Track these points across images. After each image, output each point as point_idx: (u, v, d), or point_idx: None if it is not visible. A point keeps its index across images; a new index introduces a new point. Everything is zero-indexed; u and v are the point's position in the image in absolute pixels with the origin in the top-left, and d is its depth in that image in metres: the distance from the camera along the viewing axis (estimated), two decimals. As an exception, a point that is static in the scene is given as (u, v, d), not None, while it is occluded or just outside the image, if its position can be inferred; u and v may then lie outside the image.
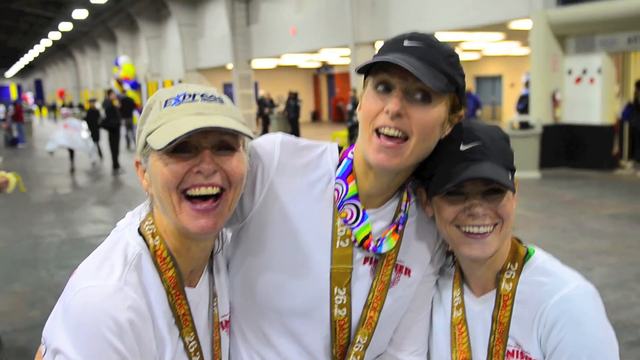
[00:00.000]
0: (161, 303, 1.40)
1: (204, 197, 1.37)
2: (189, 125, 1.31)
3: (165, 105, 1.40)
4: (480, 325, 1.63)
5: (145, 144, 1.39)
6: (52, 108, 49.48)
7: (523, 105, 17.22)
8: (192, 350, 1.46)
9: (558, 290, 1.49)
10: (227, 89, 32.95)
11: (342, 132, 21.28)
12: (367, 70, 1.52)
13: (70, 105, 47.48)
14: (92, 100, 19.92)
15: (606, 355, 1.45)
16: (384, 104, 1.46)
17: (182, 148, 1.35)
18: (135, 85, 36.74)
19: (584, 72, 14.72)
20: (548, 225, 9.50)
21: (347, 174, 1.60)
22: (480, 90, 33.59)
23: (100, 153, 20.36)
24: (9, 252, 8.90)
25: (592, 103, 14.62)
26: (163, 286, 1.41)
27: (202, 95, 1.41)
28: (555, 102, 15.05)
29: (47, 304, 6.18)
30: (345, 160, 1.62)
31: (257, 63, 31.04)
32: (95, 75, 53.47)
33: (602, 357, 1.44)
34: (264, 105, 26.51)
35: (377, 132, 1.47)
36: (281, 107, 27.76)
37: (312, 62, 34.25)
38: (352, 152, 1.63)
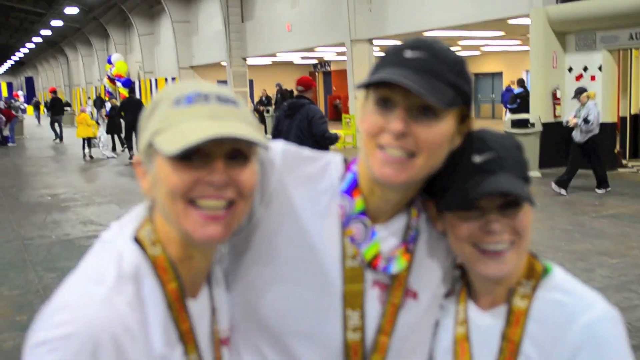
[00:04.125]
0: (160, 318, 1.28)
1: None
2: (203, 131, 1.20)
3: (175, 104, 1.27)
4: (486, 341, 1.53)
5: (150, 145, 1.27)
6: (37, 106, 48.59)
7: (516, 104, 17.20)
8: None
9: (583, 313, 1.41)
10: (221, 87, 32.99)
11: (340, 131, 21.19)
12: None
13: (67, 104, 47.07)
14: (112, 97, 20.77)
15: None
16: (386, 121, 1.37)
17: (191, 154, 1.23)
18: (128, 83, 36.59)
19: (585, 69, 14.72)
20: (548, 225, 9.44)
21: (352, 188, 1.50)
22: (479, 87, 33.66)
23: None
24: (-4, 254, 8.82)
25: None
26: (165, 299, 1.30)
27: (216, 97, 1.29)
28: (555, 100, 14.99)
29: (35, 308, 6.24)
30: (349, 174, 1.52)
31: (252, 60, 30.98)
32: (88, 73, 53.52)
33: None
34: (262, 105, 26.44)
35: (381, 147, 1.38)
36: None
37: (308, 58, 34.24)
38: (356, 165, 1.52)
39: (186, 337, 1.34)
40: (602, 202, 11.05)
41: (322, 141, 8.26)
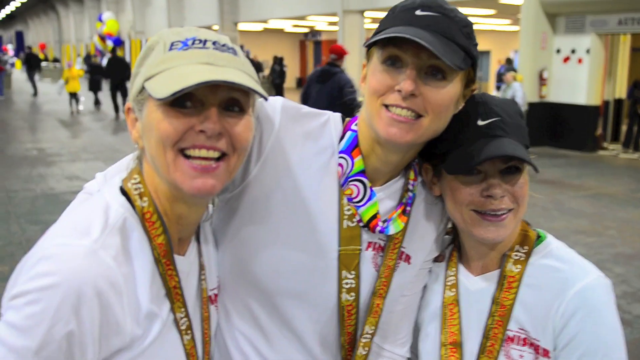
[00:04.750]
0: (148, 273, 1.24)
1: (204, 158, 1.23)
2: (197, 75, 1.15)
3: (170, 47, 1.22)
4: (476, 305, 1.54)
5: (142, 90, 1.23)
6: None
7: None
8: (183, 327, 1.31)
9: (579, 280, 1.43)
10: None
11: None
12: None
13: (55, 60, 46.35)
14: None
15: (620, 349, 1.41)
16: (393, 81, 1.33)
17: (184, 101, 1.19)
18: (119, 42, 36.18)
19: (573, 51, 14.74)
20: (528, 202, 9.41)
21: (352, 148, 1.46)
22: (467, 65, 33.40)
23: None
24: (-21, 204, 8.77)
25: (579, 83, 14.64)
26: (153, 254, 1.25)
27: (214, 43, 1.24)
28: (542, 81, 15.04)
29: (17, 259, 5.87)
30: (349, 133, 1.48)
31: (244, 26, 30.67)
32: (78, 30, 52.57)
33: (617, 351, 1.40)
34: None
35: (387, 106, 1.35)
36: (266, 72, 27.53)
37: (299, 27, 33.94)
38: (355, 124, 1.49)
39: (174, 293, 1.29)
40: (581, 183, 11.15)
41: (351, 109, 8.43)
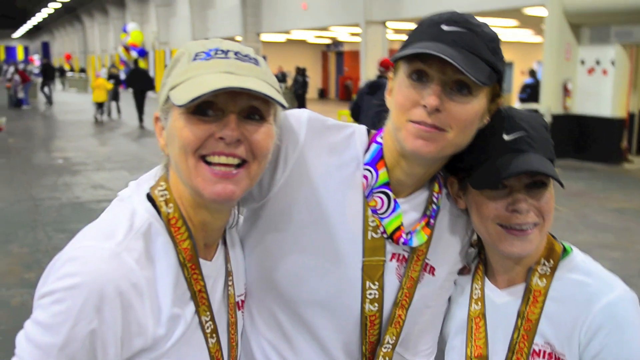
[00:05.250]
0: (172, 276, 1.28)
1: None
2: (216, 83, 1.19)
3: (194, 58, 1.27)
4: (502, 319, 1.54)
5: (167, 99, 1.27)
6: (61, 73, 48.26)
7: (526, 94, 17.13)
8: (208, 331, 1.35)
9: (605, 294, 1.41)
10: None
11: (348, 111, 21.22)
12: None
13: (82, 71, 46.94)
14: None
15: None
16: (419, 96, 1.34)
17: (206, 109, 1.23)
18: (143, 53, 36.62)
19: (597, 62, 14.61)
20: (552, 215, 9.39)
21: (377, 160, 1.47)
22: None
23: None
24: (7, 213, 8.90)
25: (604, 95, 14.48)
26: (178, 258, 1.29)
27: (236, 53, 1.28)
28: (566, 92, 14.94)
29: (43, 266, 6.00)
30: (374, 146, 1.49)
31: (266, 36, 30.86)
32: (103, 41, 53.26)
33: None
34: (277, 80, 26.53)
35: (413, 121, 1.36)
36: (288, 83, 27.65)
37: (321, 38, 34.05)
38: (380, 137, 1.50)
39: (199, 297, 1.33)
40: (606, 196, 11.03)
41: None
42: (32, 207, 9.20)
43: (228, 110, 1.24)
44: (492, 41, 1.38)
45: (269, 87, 1.25)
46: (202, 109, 1.23)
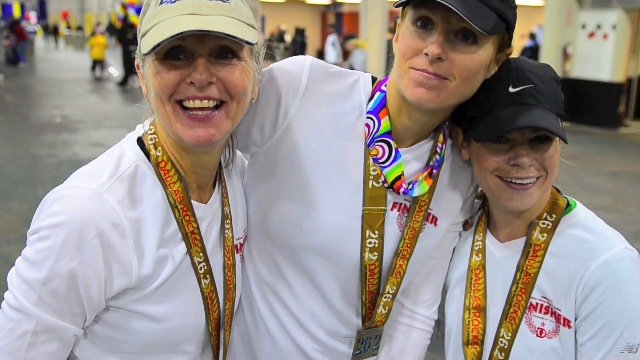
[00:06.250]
0: (159, 218, 1.30)
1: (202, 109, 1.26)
2: (177, 27, 1.16)
3: (161, 2, 1.24)
4: (501, 272, 1.55)
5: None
6: (54, 32, 47.50)
7: (526, 57, 17.02)
8: (201, 272, 1.37)
9: (604, 251, 1.41)
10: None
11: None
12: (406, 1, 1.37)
13: (79, 29, 46.23)
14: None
15: None
16: (423, 43, 1.32)
17: (175, 54, 1.21)
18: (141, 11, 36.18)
19: (598, 27, 14.51)
20: (557, 170, 9.45)
21: (380, 108, 1.47)
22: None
23: None
24: (6, 170, 8.90)
25: (604, 59, 14.43)
26: (168, 200, 1.31)
27: None
28: (566, 56, 14.86)
29: None
30: (378, 94, 1.48)
31: (266, -4, 30.51)
32: (100, -1, 52.48)
33: (637, 326, 1.39)
34: (275, 40, 26.26)
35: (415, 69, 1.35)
36: (287, 42, 27.46)
37: (321, -2, 33.70)
38: (385, 85, 1.49)
39: (191, 239, 1.34)
40: (602, 159, 11.06)
41: None
42: (32, 164, 9.20)
43: (197, 53, 1.22)
44: None
45: (237, 24, 1.22)
46: (174, 53, 1.21)
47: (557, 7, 14.70)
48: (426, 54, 1.31)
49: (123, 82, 19.59)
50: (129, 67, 19.33)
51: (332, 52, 17.12)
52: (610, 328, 1.39)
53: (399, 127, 1.46)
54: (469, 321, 1.58)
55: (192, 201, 1.36)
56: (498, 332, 1.53)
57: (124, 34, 20.48)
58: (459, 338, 1.61)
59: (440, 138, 1.51)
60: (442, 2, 1.25)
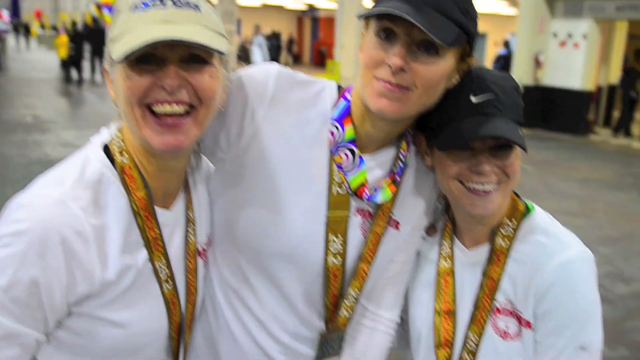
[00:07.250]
0: (122, 225, 1.30)
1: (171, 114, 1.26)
2: (149, 35, 1.17)
3: (132, 10, 1.25)
4: (468, 277, 1.58)
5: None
6: (26, 30, 46.78)
7: (499, 65, 17.23)
8: (163, 277, 1.38)
9: (558, 254, 1.44)
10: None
11: (323, 75, 21.17)
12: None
13: (54, 28, 45.59)
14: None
15: (594, 325, 1.44)
16: (385, 54, 1.34)
17: (146, 60, 1.22)
18: (115, 12, 35.89)
19: (570, 36, 14.74)
20: (518, 183, 9.54)
21: (344, 116, 1.48)
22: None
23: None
24: (-25, 168, 8.75)
25: (574, 68, 14.68)
26: (131, 207, 1.31)
27: (174, 1, 1.24)
28: (537, 64, 15.06)
29: None
30: (342, 102, 1.50)
31: (243, 0, 30.47)
32: (75, -2, 52.00)
33: (590, 326, 1.43)
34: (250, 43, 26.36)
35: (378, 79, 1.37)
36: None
37: (298, 3, 33.74)
38: (349, 93, 1.51)
39: (153, 244, 1.35)
40: (572, 166, 11.23)
41: None
42: (2, 164, 9.08)
43: (168, 59, 1.23)
44: (463, 1, 1.36)
45: (208, 33, 1.24)
46: (144, 59, 1.22)
47: (529, 15, 14.92)
48: (389, 65, 1.33)
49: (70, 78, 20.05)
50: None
51: (259, 53, 18.50)
52: (563, 327, 1.42)
53: (362, 134, 1.49)
54: (439, 325, 1.60)
55: (156, 207, 1.36)
56: (466, 335, 1.55)
57: (95, 35, 20.36)
58: (430, 341, 1.63)
59: (404, 145, 1.53)
60: (403, 16, 1.28)
